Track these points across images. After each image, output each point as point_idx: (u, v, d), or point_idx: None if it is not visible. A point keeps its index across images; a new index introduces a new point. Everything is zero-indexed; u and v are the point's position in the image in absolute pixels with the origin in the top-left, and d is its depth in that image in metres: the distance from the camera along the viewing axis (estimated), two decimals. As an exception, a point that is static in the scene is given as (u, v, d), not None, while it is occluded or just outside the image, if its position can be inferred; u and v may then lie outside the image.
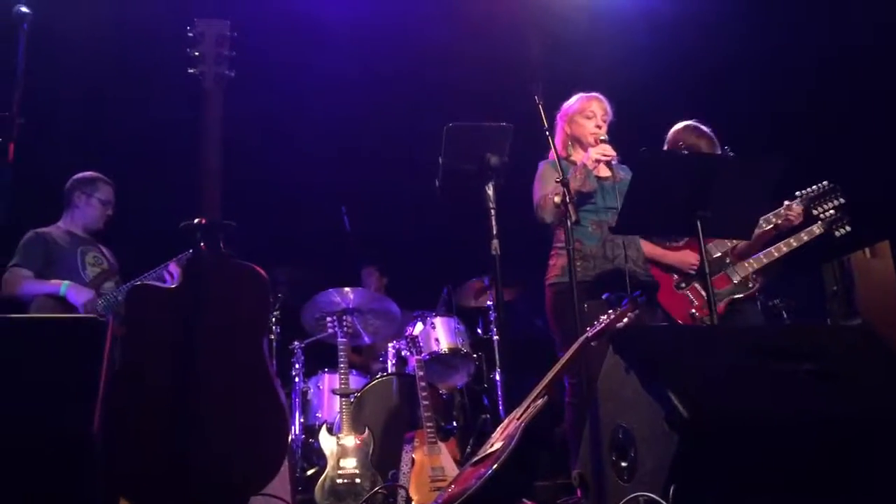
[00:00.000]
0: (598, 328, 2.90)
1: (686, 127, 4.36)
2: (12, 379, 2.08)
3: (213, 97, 2.77)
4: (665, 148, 4.36)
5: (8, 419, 2.04)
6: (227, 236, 2.72)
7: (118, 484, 2.34)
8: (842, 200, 4.33)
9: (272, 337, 5.34)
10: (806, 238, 4.32)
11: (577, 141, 4.13)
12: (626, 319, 2.87)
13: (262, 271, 2.75)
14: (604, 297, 3.14)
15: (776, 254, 4.30)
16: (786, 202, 4.28)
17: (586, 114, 4.07)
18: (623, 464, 2.55)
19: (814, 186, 4.33)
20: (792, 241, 4.32)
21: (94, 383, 2.03)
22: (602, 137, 3.92)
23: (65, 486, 1.99)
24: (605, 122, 4.06)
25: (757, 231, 4.06)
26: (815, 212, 4.31)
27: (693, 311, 4.14)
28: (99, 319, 2.15)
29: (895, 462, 2.40)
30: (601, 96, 4.14)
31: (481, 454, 2.74)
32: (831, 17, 5.92)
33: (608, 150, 3.84)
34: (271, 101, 5.41)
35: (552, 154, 3.87)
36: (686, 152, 3.59)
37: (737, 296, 4.25)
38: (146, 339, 2.56)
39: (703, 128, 4.35)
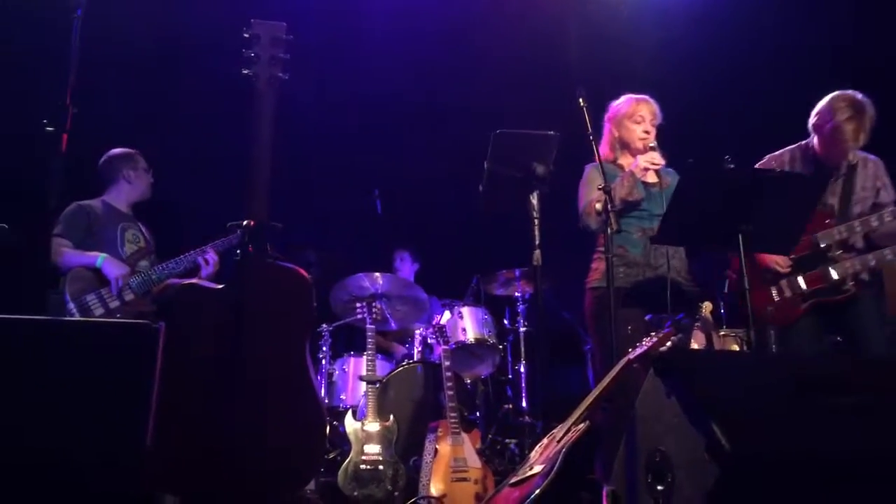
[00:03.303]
0: (640, 351, 2.89)
1: (841, 98, 3.82)
2: (60, 387, 2.05)
3: (265, 99, 2.76)
4: (817, 112, 3.95)
5: (56, 433, 2.02)
6: (273, 238, 2.73)
7: (166, 485, 2.38)
8: None
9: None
10: None
11: (625, 145, 4.05)
12: (669, 343, 2.86)
13: (307, 274, 2.77)
14: (647, 318, 3.12)
15: (889, 256, 3.60)
16: None
17: (635, 118, 3.98)
18: (659, 487, 2.55)
19: None
20: None
21: (146, 395, 2.03)
22: (651, 144, 3.87)
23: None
24: (653, 126, 3.98)
25: (883, 228, 3.69)
26: None
27: (770, 308, 3.91)
28: (151, 326, 2.15)
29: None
30: (650, 99, 4.04)
31: (521, 475, 2.75)
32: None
33: (657, 159, 3.79)
34: (307, 83, 5.37)
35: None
36: (731, 166, 3.52)
37: (826, 298, 3.82)
38: (193, 340, 2.59)
39: (860, 99, 3.76)
